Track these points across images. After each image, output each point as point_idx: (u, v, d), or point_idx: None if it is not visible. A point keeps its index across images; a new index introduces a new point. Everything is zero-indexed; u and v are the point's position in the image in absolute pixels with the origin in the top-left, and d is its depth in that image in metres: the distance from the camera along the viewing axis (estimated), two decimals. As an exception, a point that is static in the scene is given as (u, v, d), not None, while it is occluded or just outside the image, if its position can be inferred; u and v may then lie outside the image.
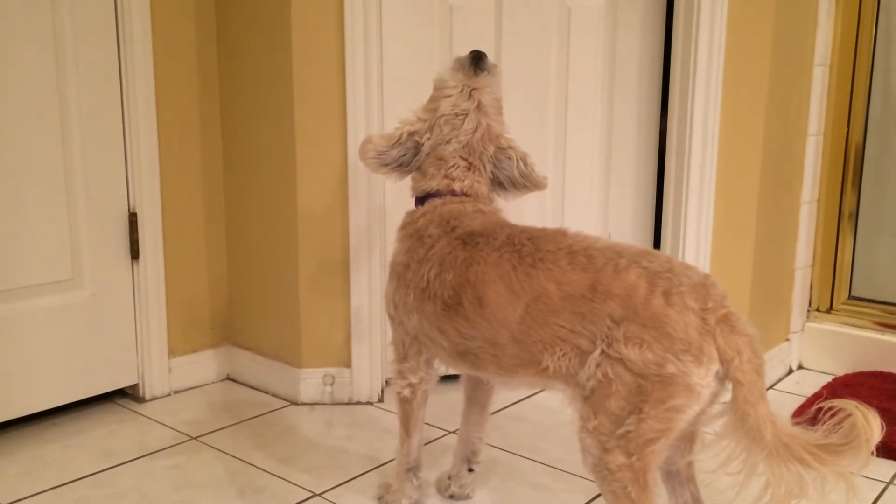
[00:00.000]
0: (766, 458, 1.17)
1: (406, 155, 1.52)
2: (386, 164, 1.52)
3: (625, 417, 1.20)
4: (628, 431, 1.20)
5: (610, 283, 1.24)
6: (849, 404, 1.15)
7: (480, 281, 1.35)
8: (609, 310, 1.22)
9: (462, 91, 1.50)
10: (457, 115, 1.49)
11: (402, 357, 1.54)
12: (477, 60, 1.53)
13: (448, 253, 1.41)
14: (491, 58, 2.11)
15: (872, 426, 1.14)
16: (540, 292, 1.29)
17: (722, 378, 1.20)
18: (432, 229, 1.46)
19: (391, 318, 1.54)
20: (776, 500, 1.18)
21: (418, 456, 1.62)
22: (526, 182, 1.55)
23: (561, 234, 1.36)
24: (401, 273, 1.49)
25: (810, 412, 1.23)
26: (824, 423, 1.17)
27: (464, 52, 2.10)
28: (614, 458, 1.22)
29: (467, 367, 1.45)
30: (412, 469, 1.62)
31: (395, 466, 1.64)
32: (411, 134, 1.51)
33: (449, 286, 1.39)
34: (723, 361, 1.18)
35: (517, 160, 1.53)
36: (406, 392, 1.55)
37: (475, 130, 1.50)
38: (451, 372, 1.63)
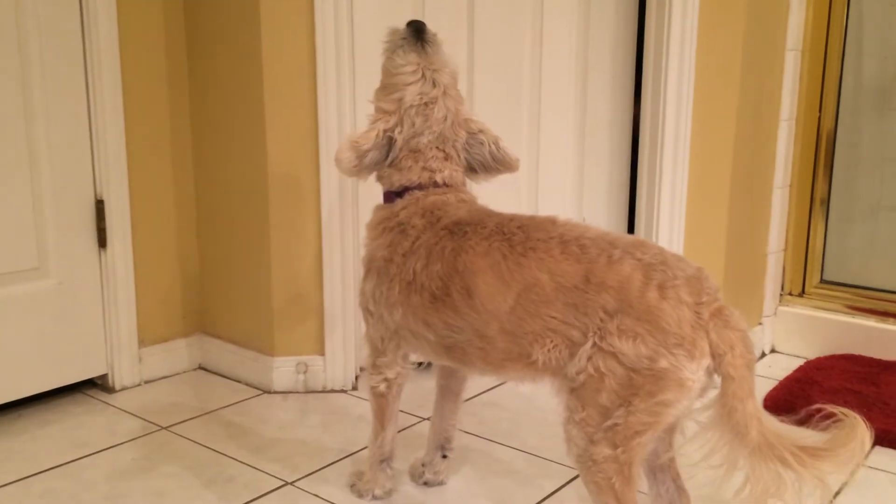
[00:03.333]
0: (749, 455, 1.17)
1: (380, 153, 1.47)
2: (365, 168, 1.46)
3: (614, 410, 1.19)
4: (616, 424, 1.19)
5: (604, 274, 1.22)
6: (848, 414, 1.17)
7: (469, 271, 1.32)
8: (603, 302, 1.21)
9: (423, 76, 1.44)
10: (426, 104, 1.44)
11: (379, 352, 1.51)
12: (419, 33, 1.46)
13: (435, 244, 1.38)
14: (464, 44, 2.13)
15: (864, 441, 1.15)
16: (532, 282, 1.27)
17: (711, 372, 1.19)
18: (416, 220, 1.43)
19: (369, 313, 1.50)
20: (754, 497, 1.18)
21: (392, 447, 1.61)
22: (499, 165, 1.52)
23: (551, 222, 1.34)
24: (381, 268, 1.45)
25: (801, 413, 1.24)
26: (813, 425, 1.18)
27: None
28: (600, 450, 1.21)
29: (453, 361, 1.42)
30: (386, 460, 1.61)
31: (368, 457, 1.62)
32: (386, 131, 1.45)
33: (437, 277, 1.36)
34: (715, 356, 1.18)
35: (489, 144, 1.50)
36: (382, 387, 1.54)
37: (445, 119, 1.46)
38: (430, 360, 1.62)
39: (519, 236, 1.31)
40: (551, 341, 1.26)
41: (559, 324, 1.25)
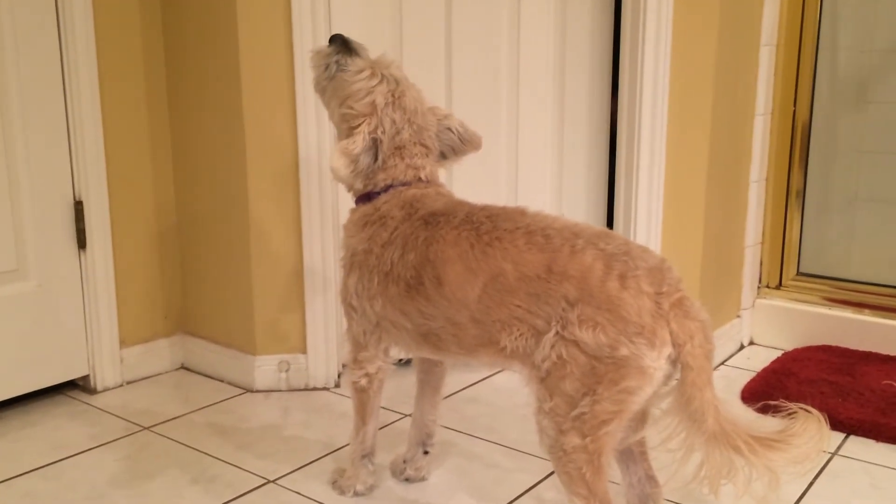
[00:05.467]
0: (705, 442, 1.20)
1: (370, 156, 1.49)
2: (360, 172, 1.48)
3: (579, 399, 1.21)
4: (583, 413, 1.21)
5: (566, 264, 1.24)
6: (811, 410, 1.21)
7: (439, 259, 1.35)
8: (564, 291, 1.23)
9: (382, 76, 1.47)
10: (397, 98, 1.48)
11: (361, 347, 1.53)
12: (347, 44, 1.51)
13: (410, 234, 1.41)
14: (441, 36, 2.14)
15: (820, 436, 1.19)
16: (497, 272, 1.29)
17: (674, 361, 1.22)
18: (395, 212, 1.46)
19: (352, 308, 1.52)
20: (707, 479, 1.22)
21: (373, 443, 1.62)
22: (465, 146, 1.57)
23: (520, 213, 1.36)
24: (362, 260, 1.47)
25: (758, 406, 1.27)
26: (771, 415, 1.21)
27: (416, 30, 2.11)
28: (570, 440, 1.23)
29: (430, 348, 1.44)
30: (367, 455, 1.62)
31: (349, 453, 1.63)
32: (370, 134, 1.47)
33: (411, 266, 1.39)
34: (675, 345, 1.20)
35: (455, 128, 1.55)
36: (363, 382, 1.55)
37: (416, 110, 1.50)
38: (411, 356, 1.63)
39: (486, 226, 1.34)
40: (517, 329, 1.28)
41: (524, 312, 1.27)
